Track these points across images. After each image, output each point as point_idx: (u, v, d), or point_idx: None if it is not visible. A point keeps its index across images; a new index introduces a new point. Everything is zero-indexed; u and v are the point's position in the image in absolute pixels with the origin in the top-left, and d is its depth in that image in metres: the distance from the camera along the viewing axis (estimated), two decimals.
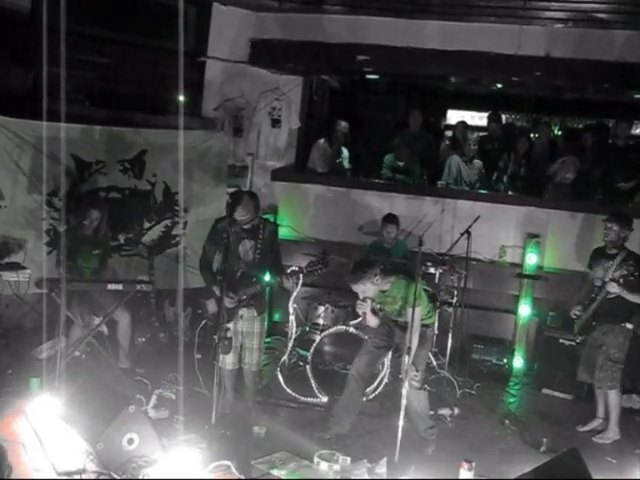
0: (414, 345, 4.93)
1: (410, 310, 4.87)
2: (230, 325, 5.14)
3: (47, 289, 5.55)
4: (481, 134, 9.07)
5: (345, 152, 8.79)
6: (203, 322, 5.49)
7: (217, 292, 5.18)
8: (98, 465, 4.15)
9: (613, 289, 5.56)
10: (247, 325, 5.33)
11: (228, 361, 5.28)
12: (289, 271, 5.28)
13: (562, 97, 9.82)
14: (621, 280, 5.54)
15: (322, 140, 8.71)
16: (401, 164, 8.33)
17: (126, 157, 7.06)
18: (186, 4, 6.92)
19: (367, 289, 4.94)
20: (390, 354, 5.75)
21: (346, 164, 8.80)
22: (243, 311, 5.30)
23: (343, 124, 8.72)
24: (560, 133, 10.47)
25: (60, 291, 5.48)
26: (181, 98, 7.59)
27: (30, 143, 6.46)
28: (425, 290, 5.39)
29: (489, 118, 9.32)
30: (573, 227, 7.48)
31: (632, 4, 6.72)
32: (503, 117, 9.76)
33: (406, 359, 4.87)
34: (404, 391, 4.81)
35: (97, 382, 4.83)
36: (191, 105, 8.16)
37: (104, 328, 6.20)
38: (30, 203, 6.58)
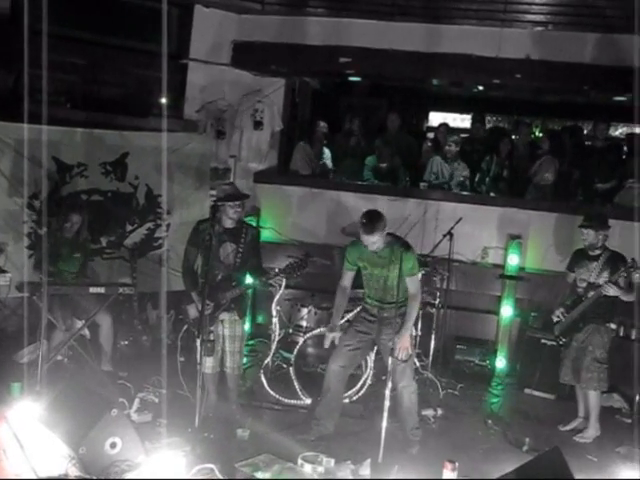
0: (413, 317, 5.02)
1: (406, 280, 4.94)
2: (212, 328, 5.13)
3: (28, 293, 5.50)
4: (462, 135, 9.10)
5: (327, 152, 8.80)
6: (185, 327, 5.45)
7: (195, 298, 5.17)
8: (80, 470, 4.12)
9: (611, 292, 5.51)
10: (228, 329, 5.30)
11: (208, 364, 5.22)
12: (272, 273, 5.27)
13: (542, 99, 9.92)
14: (621, 282, 5.51)
15: (303, 142, 8.72)
16: (383, 165, 8.35)
17: (108, 160, 7.01)
18: (168, 6, 6.89)
19: (378, 240, 4.92)
20: (373, 355, 5.78)
21: (329, 164, 8.81)
22: (224, 315, 5.27)
23: (322, 124, 8.74)
24: (541, 135, 10.55)
25: (41, 294, 5.44)
26: (163, 100, 7.57)
27: (11, 146, 6.41)
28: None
29: (473, 120, 9.37)
30: (554, 228, 7.52)
31: (611, 8, 6.82)
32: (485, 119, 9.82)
33: (390, 361, 4.87)
34: (387, 392, 4.81)
35: (79, 386, 4.79)
36: (173, 107, 8.14)
37: (86, 331, 6.18)
38: (11, 206, 6.52)
